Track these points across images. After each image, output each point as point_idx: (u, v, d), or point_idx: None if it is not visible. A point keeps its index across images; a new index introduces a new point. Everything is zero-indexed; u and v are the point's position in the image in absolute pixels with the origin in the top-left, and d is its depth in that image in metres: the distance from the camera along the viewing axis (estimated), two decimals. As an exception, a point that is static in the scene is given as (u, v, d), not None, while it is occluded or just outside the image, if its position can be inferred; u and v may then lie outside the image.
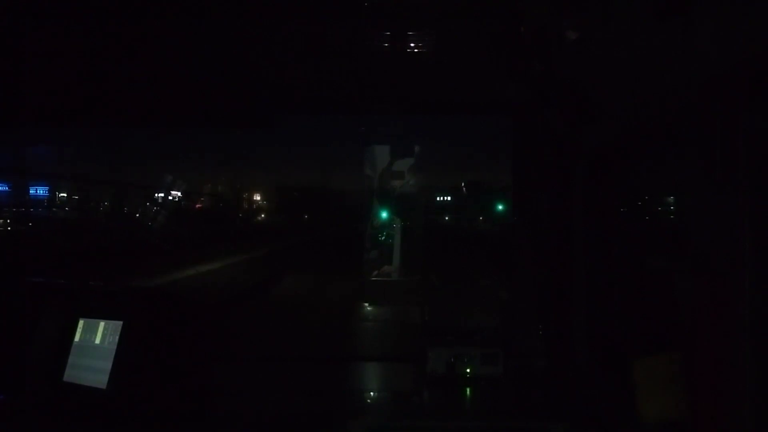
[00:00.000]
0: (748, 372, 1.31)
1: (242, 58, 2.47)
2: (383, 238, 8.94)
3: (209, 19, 2.21)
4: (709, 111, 1.39)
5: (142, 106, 2.91)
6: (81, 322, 2.21)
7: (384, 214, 8.88)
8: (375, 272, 8.17)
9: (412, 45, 2.35)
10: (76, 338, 2.19)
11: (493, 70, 2.45)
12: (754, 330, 1.30)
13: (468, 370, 2.43)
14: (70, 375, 2.13)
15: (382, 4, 2.11)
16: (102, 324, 2.14)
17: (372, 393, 2.56)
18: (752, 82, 1.28)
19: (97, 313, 2.19)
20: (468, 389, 2.41)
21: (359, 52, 2.43)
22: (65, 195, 19.48)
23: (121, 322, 2.09)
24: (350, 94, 2.88)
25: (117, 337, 2.07)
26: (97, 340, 2.13)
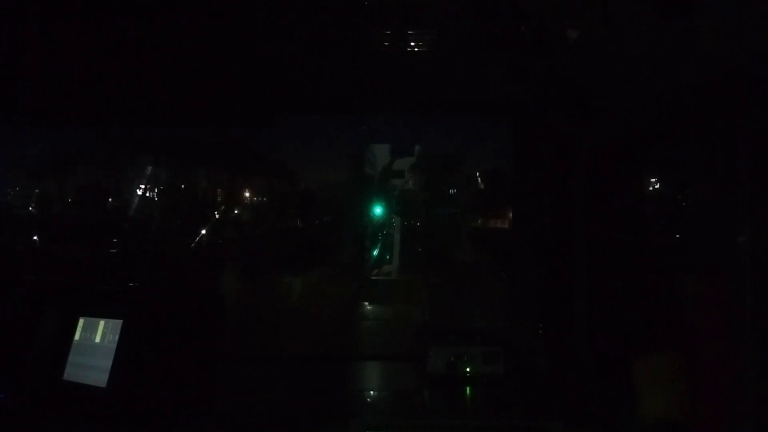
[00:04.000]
0: (748, 372, 1.31)
1: (243, 57, 2.47)
2: (383, 237, 8.93)
3: (210, 19, 2.21)
4: (709, 111, 1.39)
5: (142, 105, 2.91)
6: (81, 321, 2.21)
7: (384, 213, 8.87)
8: (375, 271, 8.18)
9: (412, 44, 2.35)
10: (76, 337, 2.19)
11: (493, 70, 2.45)
12: (754, 330, 1.30)
13: (468, 369, 2.43)
14: (70, 374, 2.13)
15: (382, 3, 2.11)
16: (102, 323, 2.14)
17: (372, 392, 2.56)
18: (752, 82, 1.29)
19: (96, 311, 2.19)
20: (468, 388, 2.41)
21: (359, 52, 2.42)
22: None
23: (120, 321, 2.09)
24: (350, 94, 2.88)
25: (117, 336, 2.07)
26: (97, 339, 2.13)
